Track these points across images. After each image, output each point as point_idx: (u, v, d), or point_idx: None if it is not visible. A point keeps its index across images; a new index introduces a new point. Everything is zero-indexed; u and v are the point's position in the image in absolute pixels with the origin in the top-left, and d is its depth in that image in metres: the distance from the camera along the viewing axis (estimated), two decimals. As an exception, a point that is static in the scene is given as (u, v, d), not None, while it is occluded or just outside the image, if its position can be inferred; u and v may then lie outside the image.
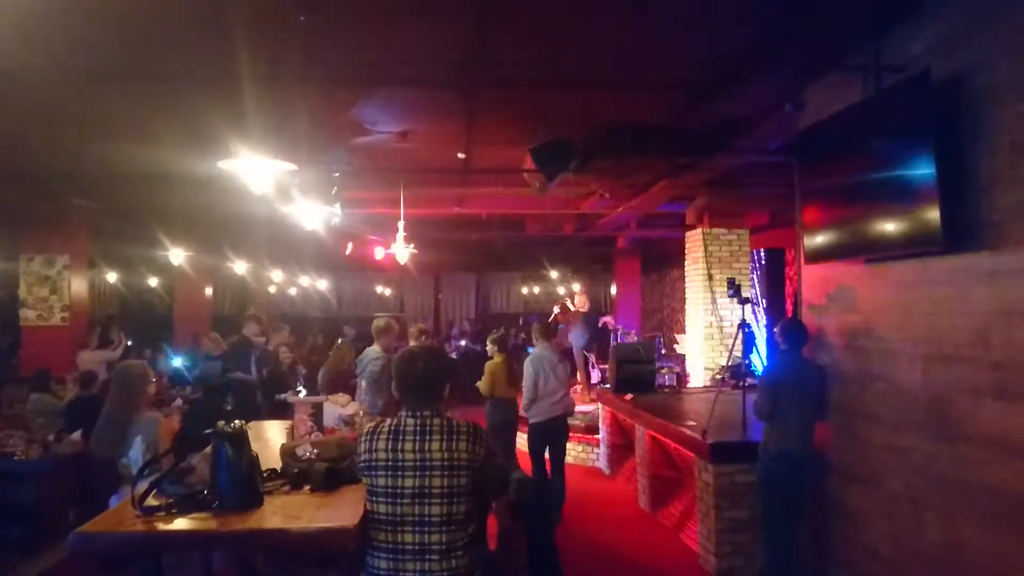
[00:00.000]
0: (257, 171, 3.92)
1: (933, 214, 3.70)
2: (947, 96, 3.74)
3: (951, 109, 3.73)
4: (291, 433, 4.11)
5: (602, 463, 9.20)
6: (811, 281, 5.27)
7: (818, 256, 4.94)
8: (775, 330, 5.35)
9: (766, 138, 6.56)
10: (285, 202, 5.74)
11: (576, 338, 11.72)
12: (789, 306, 10.61)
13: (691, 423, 6.34)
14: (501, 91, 5.73)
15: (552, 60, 5.10)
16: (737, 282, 6.28)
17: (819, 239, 4.88)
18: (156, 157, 6.61)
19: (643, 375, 8.52)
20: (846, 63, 4.67)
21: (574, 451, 9.62)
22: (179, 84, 4.79)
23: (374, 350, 6.81)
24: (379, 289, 21.64)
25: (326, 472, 3.15)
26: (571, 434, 9.61)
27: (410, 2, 4.05)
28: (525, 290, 21.76)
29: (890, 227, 4.13)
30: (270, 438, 4.51)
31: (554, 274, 19.63)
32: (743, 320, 6.28)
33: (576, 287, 19.31)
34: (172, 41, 4.33)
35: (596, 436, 9.35)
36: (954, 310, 3.83)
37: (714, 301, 9.43)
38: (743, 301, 6.22)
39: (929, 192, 3.73)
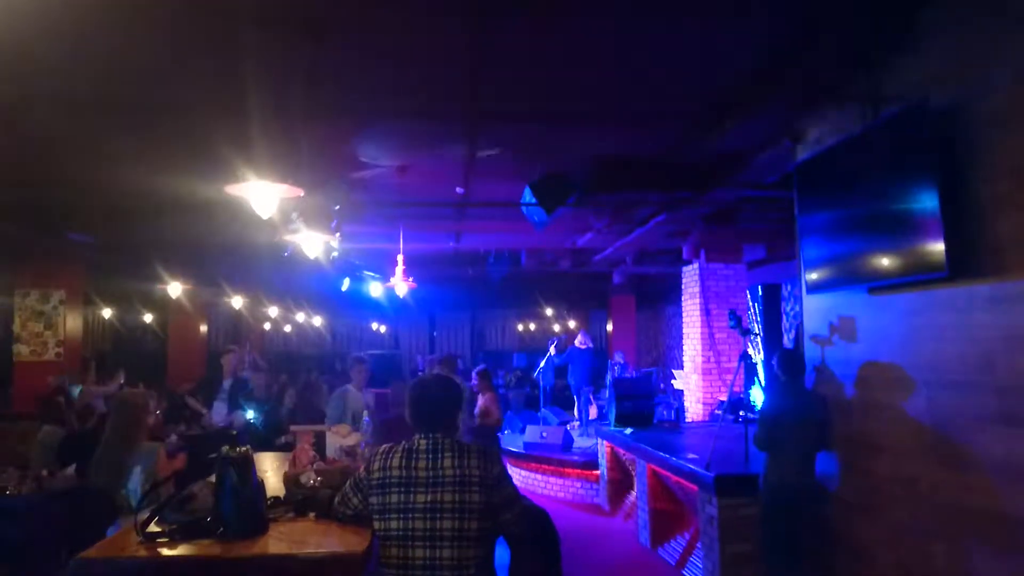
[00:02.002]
0: (263, 195, 3.94)
1: (936, 242, 3.72)
2: (948, 124, 3.78)
3: (952, 136, 3.77)
4: (293, 462, 4.06)
5: (601, 499, 9.11)
6: (813, 311, 5.28)
7: (820, 286, 4.95)
8: (772, 361, 5.36)
9: (763, 171, 6.62)
10: (288, 231, 5.75)
11: (580, 375, 11.70)
12: (786, 341, 10.62)
13: (692, 456, 6.30)
14: (499, 124, 5.78)
15: (550, 94, 5.14)
16: (739, 313, 6.28)
17: (820, 269, 4.90)
18: (157, 184, 6.61)
19: (642, 410, 8.49)
20: (843, 94, 4.73)
21: (573, 487, 9.53)
22: (185, 113, 4.81)
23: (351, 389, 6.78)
24: (374, 326, 21.58)
25: (331, 499, 3.10)
26: (571, 470, 9.57)
27: (408, 34, 4.09)
28: (520, 327, 21.72)
29: (893, 256, 4.14)
30: (268, 468, 4.45)
31: (549, 311, 19.63)
32: (744, 352, 6.27)
33: (572, 324, 19.33)
34: (178, 71, 4.37)
35: (595, 471, 9.26)
36: (958, 337, 3.83)
37: (712, 336, 9.42)
38: (745, 332, 6.22)
39: (932, 220, 3.75)
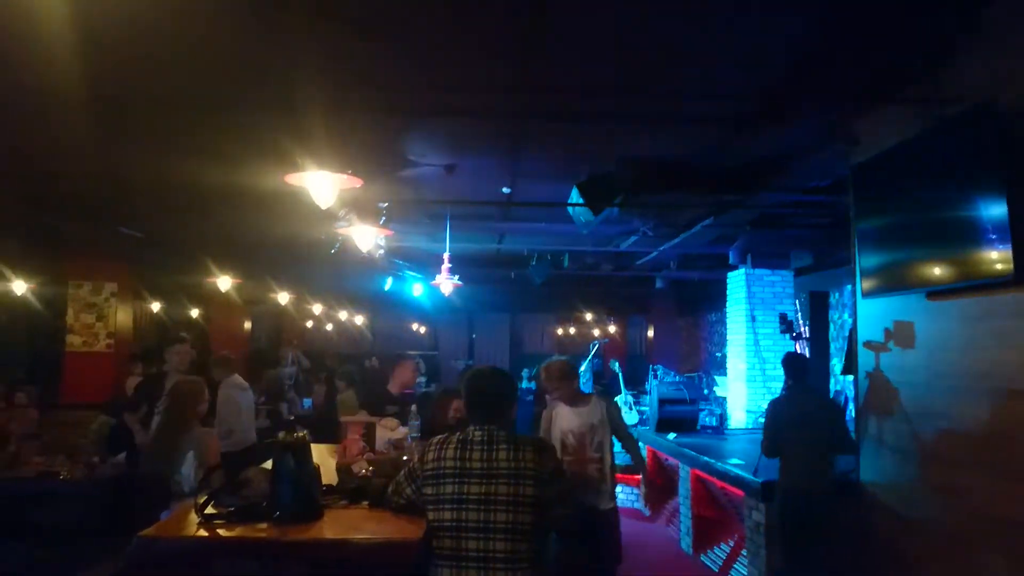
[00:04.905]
0: (323, 185, 3.98)
1: (1002, 246, 3.62)
2: (1016, 124, 3.68)
3: (1021, 137, 3.67)
4: (342, 453, 4.09)
5: (641, 503, 9.03)
6: (867, 317, 5.17)
7: (876, 291, 4.85)
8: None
9: (815, 175, 6.52)
10: (340, 225, 5.79)
11: None
12: (833, 350, 10.43)
13: (737, 462, 6.22)
14: (547, 123, 5.76)
15: (599, 92, 5.12)
16: (789, 317, 6.18)
17: (877, 273, 4.81)
18: (210, 178, 6.69)
19: (686, 415, 8.41)
20: (904, 94, 4.63)
21: (613, 491, 9.46)
22: (241, 106, 4.87)
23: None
24: (414, 326, 21.71)
25: (384, 488, 3.12)
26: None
27: (458, 31, 4.09)
28: (560, 331, 21.68)
29: (954, 260, 4.05)
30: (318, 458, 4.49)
31: (588, 316, 19.56)
32: (795, 356, 6.16)
33: (612, 328, 19.21)
34: (233, 64, 4.42)
35: (636, 476, 9.18)
36: (1022, 344, 3.73)
37: (757, 343, 9.29)
38: (796, 337, 6.13)
39: (998, 224, 3.65)
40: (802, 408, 5.03)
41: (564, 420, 4.86)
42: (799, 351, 6.87)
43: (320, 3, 3.67)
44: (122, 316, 10.64)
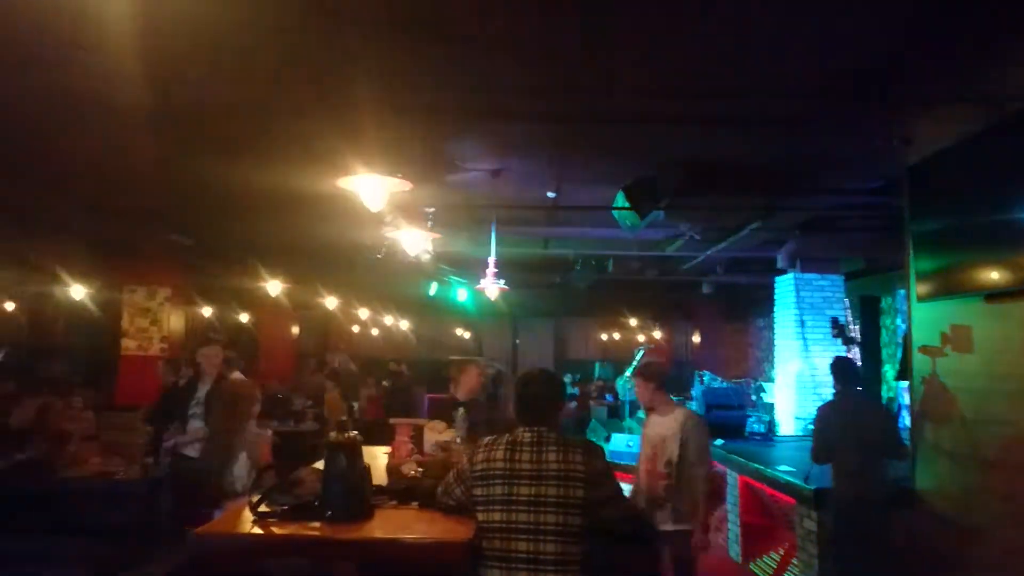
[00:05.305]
0: (373, 188, 4.03)
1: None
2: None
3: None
4: (392, 455, 4.12)
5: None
6: (923, 321, 5.06)
7: (932, 294, 4.75)
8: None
9: (865, 176, 6.39)
10: (389, 228, 5.84)
11: None
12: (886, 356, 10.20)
13: (788, 469, 6.12)
14: (594, 126, 5.74)
15: (646, 95, 5.08)
16: (840, 322, 6.07)
17: (933, 277, 4.71)
18: (260, 184, 6.80)
19: (733, 421, 8.30)
20: (960, 91, 4.51)
21: (658, 498, 9.37)
22: (299, 115, 4.94)
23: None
24: (458, 331, 21.81)
25: (434, 489, 3.13)
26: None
27: (505, 34, 4.10)
28: (604, 336, 21.57)
29: (1015, 263, 3.95)
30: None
31: (633, 321, 19.43)
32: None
33: (657, 334, 19.07)
34: (292, 74, 4.50)
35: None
36: (1089, 348, 3.62)
37: (807, 348, 9.14)
38: (849, 341, 6.02)
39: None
40: (851, 413, 4.95)
41: (648, 427, 4.70)
42: (851, 356, 6.73)
43: (376, 10, 3.71)
44: (175, 320, 10.88)
